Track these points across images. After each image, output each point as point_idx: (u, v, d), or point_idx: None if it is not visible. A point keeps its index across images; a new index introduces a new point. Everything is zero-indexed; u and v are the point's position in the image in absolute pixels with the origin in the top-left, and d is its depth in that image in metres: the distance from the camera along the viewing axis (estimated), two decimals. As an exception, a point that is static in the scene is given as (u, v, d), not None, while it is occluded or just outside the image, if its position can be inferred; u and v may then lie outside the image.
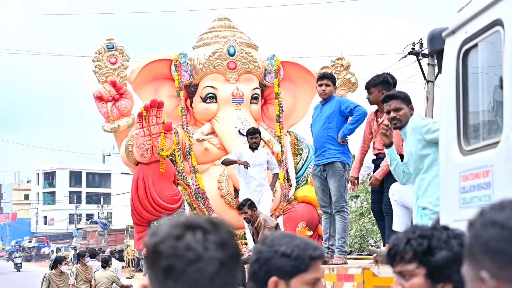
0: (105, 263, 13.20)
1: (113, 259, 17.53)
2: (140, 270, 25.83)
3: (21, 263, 43.91)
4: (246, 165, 9.33)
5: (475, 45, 3.51)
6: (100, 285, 12.28)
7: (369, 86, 6.65)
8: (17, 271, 42.12)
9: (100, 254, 16.42)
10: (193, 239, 1.33)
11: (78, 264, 13.30)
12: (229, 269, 1.35)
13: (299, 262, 2.05)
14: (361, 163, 7.07)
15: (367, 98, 6.73)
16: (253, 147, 9.64)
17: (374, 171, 6.85)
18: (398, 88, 7.25)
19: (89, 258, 16.38)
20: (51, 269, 12.67)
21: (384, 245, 6.68)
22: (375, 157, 6.82)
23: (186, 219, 1.39)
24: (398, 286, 2.14)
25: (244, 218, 8.62)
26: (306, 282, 2.03)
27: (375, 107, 6.84)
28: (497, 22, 3.24)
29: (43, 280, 12.27)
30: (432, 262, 2.05)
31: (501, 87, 3.20)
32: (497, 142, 3.16)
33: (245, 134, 10.20)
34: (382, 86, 6.62)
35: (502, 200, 1.53)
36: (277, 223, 8.75)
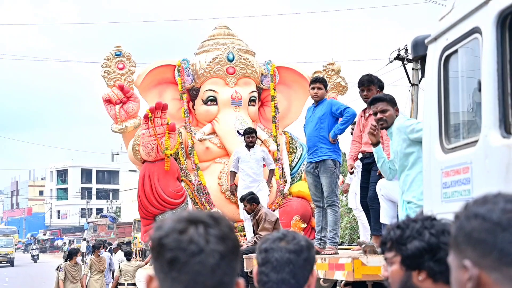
0: (129, 255, 13.22)
1: (119, 251, 17.56)
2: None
3: (37, 255, 43.90)
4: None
5: (455, 51, 3.51)
6: (126, 275, 12.33)
7: (370, 83, 6.59)
8: (34, 262, 42.01)
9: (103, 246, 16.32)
10: (196, 232, 1.33)
11: (93, 255, 13.30)
12: (228, 261, 1.34)
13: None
14: (355, 155, 6.98)
15: (364, 94, 6.61)
16: (249, 146, 9.70)
17: (362, 169, 6.83)
18: (385, 91, 7.25)
19: (103, 250, 16.41)
20: (66, 261, 12.62)
21: (371, 237, 6.68)
22: (361, 155, 6.81)
23: (189, 214, 1.39)
24: (385, 272, 2.17)
25: (245, 210, 8.69)
26: None
27: (362, 107, 6.84)
28: (476, 30, 3.24)
29: (58, 270, 12.23)
30: (405, 251, 2.05)
31: (480, 90, 3.20)
32: (476, 141, 3.16)
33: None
34: (378, 86, 6.66)
35: (485, 194, 1.52)
36: (277, 218, 8.77)
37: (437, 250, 1.99)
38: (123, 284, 12.50)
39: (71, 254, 12.56)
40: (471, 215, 1.48)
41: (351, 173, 7.30)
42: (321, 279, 6.13)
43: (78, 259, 13.08)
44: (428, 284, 2.00)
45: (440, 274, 1.98)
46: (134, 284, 12.40)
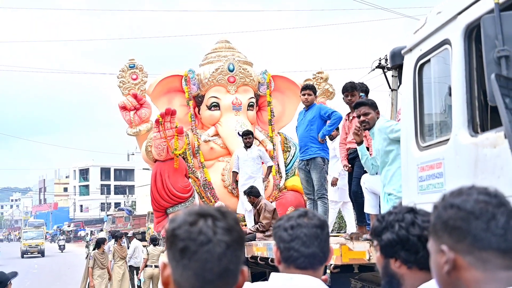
0: (155, 241, 13.25)
1: (134, 239, 17.56)
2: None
3: (64, 245, 43.68)
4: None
5: (428, 60, 3.51)
6: (152, 258, 12.42)
7: (353, 89, 6.54)
8: (61, 251, 41.76)
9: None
10: (205, 225, 1.33)
11: (115, 244, 13.31)
12: (234, 250, 1.34)
13: None
14: (346, 155, 6.93)
15: (348, 99, 6.53)
16: (247, 146, 9.74)
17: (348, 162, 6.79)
18: (369, 95, 7.25)
19: (125, 239, 16.38)
20: (94, 249, 12.61)
21: (357, 225, 6.68)
22: (347, 151, 6.80)
23: (199, 208, 1.39)
24: (374, 257, 2.16)
25: (249, 202, 8.75)
26: None
27: (346, 110, 6.83)
28: (446, 42, 3.24)
29: (88, 258, 12.22)
30: (380, 241, 2.04)
31: (450, 94, 3.20)
32: (448, 140, 3.16)
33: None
34: (361, 91, 6.65)
35: (461, 187, 1.53)
36: (275, 208, 8.82)
37: (406, 241, 1.96)
38: (151, 266, 12.58)
39: (99, 243, 12.59)
40: (447, 205, 1.49)
41: (348, 171, 7.26)
42: None
43: (106, 247, 13.09)
44: (404, 270, 1.99)
45: (412, 262, 1.98)
46: (158, 266, 12.48)
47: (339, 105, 7.54)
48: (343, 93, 6.59)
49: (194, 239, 1.32)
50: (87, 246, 39.87)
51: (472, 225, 1.43)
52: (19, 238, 49.65)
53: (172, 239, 1.34)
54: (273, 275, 2.13)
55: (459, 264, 1.44)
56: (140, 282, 15.77)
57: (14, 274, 5.02)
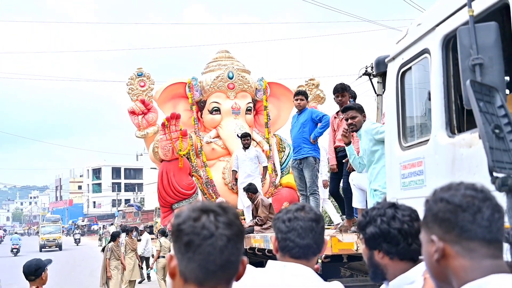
0: (166, 233, 13.21)
1: (145, 233, 17.53)
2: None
3: (79, 238, 43.04)
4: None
5: (410, 68, 3.52)
6: (164, 249, 12.38)
7: (344, 90, 6.49)
8: (77, 245, 41.15)
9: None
10: (207, 220, 1.33)
11: (127, 237, 13.28)
12: (234, 243, 1.34)
13: None
14: (334, 153, 6.92)
15: (338, 99, 6.46)
16: (246, 147, 9.76)
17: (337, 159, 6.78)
18: (357, 99, 7.24)
19: (136, 233, 16.33)
20: (110, 242, 12.53)
21: (345, 219, 6.67)
22: (335, 149, 6.80)
23: (202, 204, 1.38)
24: (361, 249, 2.15)
25: (247, 197, 8.75)
26: None
27: (334, 110, 6.83)
28: (426, 51, 3.24)
29: (106, 250, 12.17)
30: (364, 234, 2.04)
31: (430, 99, 3.19)
32: (427, 140, 3.16)
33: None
34: (350, 94, 6.65)
35: (450, 183, 1.54)
36: (271, 203, 8.84)
37: (388, 234, 1.96)
38: (163, 257, 12.56)
39: (114, 236, 12.53)
40: (438, 199, 1.50)
41: (334, 172, 7.26)
42: None
43: (121, 239, 13.06)
44: (386, 261, 1.99)
45: (393, 253, 1.97)
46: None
47: (329, 109, 7.54)
48: (334, 94, 6.55)
49: (198, 234, 1.31)
50: (100, 239, 39.88)
51: (459, 217, 1.44)
52: (37, 232, 49.21)
53: (177, 234, 1.34)
54: (269, 262, 2.13)
55: (448, 253, 1.45)
56: (149, 272, 15.79)
57: (50, 261, 4.96)
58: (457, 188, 1.51)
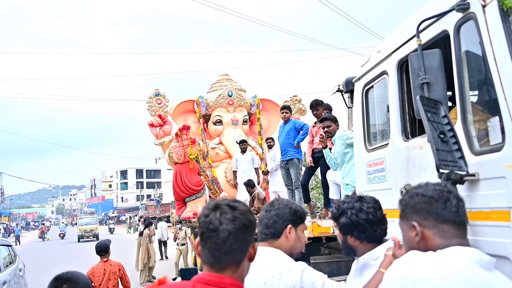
0: (180, 223, 12.98)
1: (162, 221, 17.35)
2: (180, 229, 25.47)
3: (114, 228, 40.59)
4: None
5: (372, 86, 3.52)
6: (178, 237, 12.21)
7: (317, 105, 6.53)
8: (111, 233, 39.29)
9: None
10: (214, 217, 1.35)
11: (146, 229, 13.05)
12: (236, 235, 1.34)
13: (303, 216, 2.05)
14: (311, 153, 6.90)
15: (314, 113, 6.53)
16: (243, 151, 9.73)
17: (314, 161, 6.73)
18: (334, 111, 7.24)
19: (153, 226, 16.02)
20: (144, 229, 12.10)
21: (324, 208, 6.66)
22: (312, 151, 6.79)
23: (215, 203, 1.40)
24: (336, 233, 2.14)
25: (247, 190, 8.71)
26: (303, 228, 2.06)
27: (313, 120, 6.83)
28: (384, 72, 3.25)
29: (145, 236, 11.68)
30: (338, 223, 2.04)
31: (388, 110, 3.20)
32: (387, 144, 3.16)
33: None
34: (323, 108, 6.66)
35: (420, 183, 1.59)
36: (265, 196, 8.81)
37: (357, 223, 1.97)
38: (178, 244, 12.34)
39: (148, 225, 12.20)
40: (413, 194, 1.55)
41: (309, 166, 7.27)
42: None
43: (153, 227, 12.80)
44: (357, 244, 2.00)
45: (362, 238, 1.98)
46: (184, 244, 12.23)
47: (310, 120, 7.54)
48: (310, 108, 6.62)
49: (207, 228, 1.35)
50: (129, 228, 39.62)
51: (433, 206, 1.49)
52: (76, 223, 48.46)
53: (198, 225, 1.39)
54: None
55: (426, 235, 1.49)
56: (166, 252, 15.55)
57: (110, 241, 5.83)
58: (427, 185, 1.55)
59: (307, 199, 6.72)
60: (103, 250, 5.52)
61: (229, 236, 1.33)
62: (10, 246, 7.93)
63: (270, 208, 2.04)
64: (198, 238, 1.41)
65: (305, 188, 6.97)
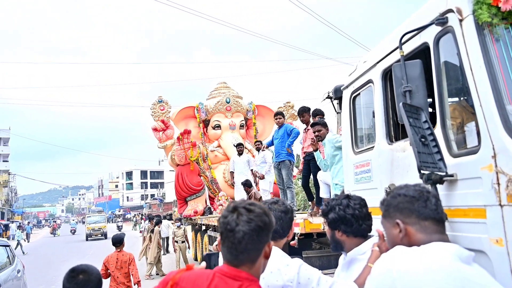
0: (180, 222, 12.91)
1: (165, 220, 17.28)
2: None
3: (122, 225, 39.21)
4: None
5: (359, 94, 3.52)
6: (178, 235, 12.10)
7: (304, 112, 6.55)
8: (119, 230, 39.29)
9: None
10: (231, 218, 1.39)
11: (149, 224, 13.00)
12: (251, 235, 1.37)
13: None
14: (303, 156, 6.90)
15: (301, 119, 6.55)
16: (240, 153, 9.70)
17: (304, 163, 6.73)
18: (325, 116, 7.21)
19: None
20: (155, 226, 11.87)
21: (315, 206, 6.65)
22: (304, 154, 6.79)
23: (234, 205, 1.43)
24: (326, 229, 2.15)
25: (244, 190, 8.63)
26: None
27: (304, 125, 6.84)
28: (370, 81, 3.25)
29: (156, 233, 11.42)
30: (327, 219, 2.04)
31: (374, 116, 3.20)
32: (373, 146, 3.16)
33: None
34: (310, 114, 6.65)
35: (400, 185, 1.61)
36: (261, 196, 8.75)
37: (344, 219, 1.97)
38: (177, 242, 12.27)
39: (158, 223, 12.01)
40: (395, 195, 1.56)
41: (304, 169, 7.22)
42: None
43: (145, 226, 12.72)
44: (344, 238, 2.00)
45: (349, 232, 1.98)
46: (183, 241, 12.17)
47: (302, 125, 7.52)
48: (298, 115, 6.64)
49: (225, 228, 1.39)
50: (135, 225, 39.41)
51: (415, 204, 1.50)
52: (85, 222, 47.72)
53: (219, 225, 1.43)
54: None
55: (409, 232, 1.49)
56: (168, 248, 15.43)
57: (124, 234, 6.04)
58: (407, 186, 1.57)
59: (310, 197, 6.75)
60: (118, 241, 5.82)
61: (244, 236, 1.36)
62: (9, 246, 7.27)
63: (285, 209, 2.07)
64: (218, 237, 1.45)
65: (306, 188, 6.96)
